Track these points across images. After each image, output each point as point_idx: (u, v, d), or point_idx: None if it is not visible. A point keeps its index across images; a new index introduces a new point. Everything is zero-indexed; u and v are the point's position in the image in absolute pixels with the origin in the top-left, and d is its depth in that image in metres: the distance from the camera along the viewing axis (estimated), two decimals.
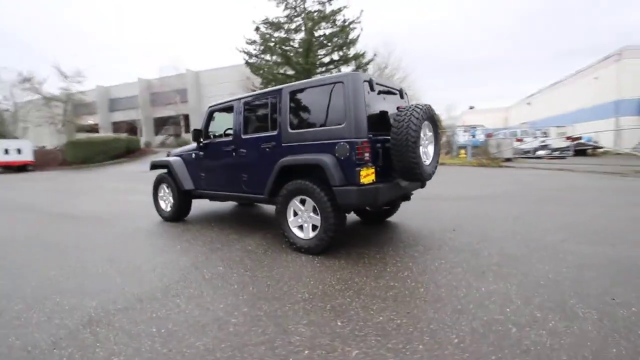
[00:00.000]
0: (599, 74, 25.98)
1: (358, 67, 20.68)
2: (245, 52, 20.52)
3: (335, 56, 20.96)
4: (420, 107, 3.38)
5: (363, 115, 3.19)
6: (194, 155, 4.91)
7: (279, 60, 19.30)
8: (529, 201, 6.08)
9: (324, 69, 20.61)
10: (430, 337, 1.94)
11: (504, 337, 1.91)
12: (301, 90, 3.59)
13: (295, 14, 20.45)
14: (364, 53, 20.64)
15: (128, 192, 9.65)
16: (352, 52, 20.45)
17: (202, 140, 4.66)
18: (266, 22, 20.58)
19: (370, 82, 3.41)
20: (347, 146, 3.11)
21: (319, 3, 20.24)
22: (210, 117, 4.74)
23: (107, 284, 2.88)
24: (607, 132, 19.19)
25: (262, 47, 20.26)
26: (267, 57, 20.46)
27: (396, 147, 3.23)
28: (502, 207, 5.62)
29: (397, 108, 3.52)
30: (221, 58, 71.39)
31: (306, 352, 1.83)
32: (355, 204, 3.20)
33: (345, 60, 20.54)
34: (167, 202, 5.27)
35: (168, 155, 5.53)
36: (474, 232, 4.10)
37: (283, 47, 18.68)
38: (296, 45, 20.22)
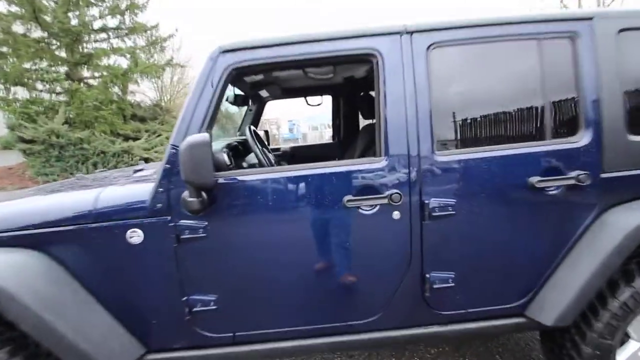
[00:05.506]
0: None
1: (153, 44, 16.00)
2: None
3: (112, 23, 15.31)
4: None
5: None
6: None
7: (20, 12, 11.92)
8: None
9: (102, 35, 14.81)
10: None
11: None
12: None
13: None
14: (156, 25, 16.13)
15: None
16: (139, 19, 15.50)
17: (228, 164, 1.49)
18: None
19: None
20: None
21: None
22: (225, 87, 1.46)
23: None
24: None
25: None
26: None
27: None
28: None
29: None
30: None
31: None
32: None
33: (131, 30, 15.34)
34: None
35: None
36: None
37: None
38: None
